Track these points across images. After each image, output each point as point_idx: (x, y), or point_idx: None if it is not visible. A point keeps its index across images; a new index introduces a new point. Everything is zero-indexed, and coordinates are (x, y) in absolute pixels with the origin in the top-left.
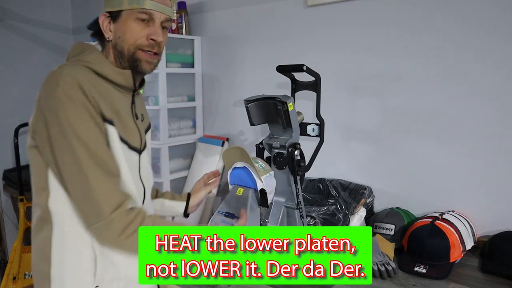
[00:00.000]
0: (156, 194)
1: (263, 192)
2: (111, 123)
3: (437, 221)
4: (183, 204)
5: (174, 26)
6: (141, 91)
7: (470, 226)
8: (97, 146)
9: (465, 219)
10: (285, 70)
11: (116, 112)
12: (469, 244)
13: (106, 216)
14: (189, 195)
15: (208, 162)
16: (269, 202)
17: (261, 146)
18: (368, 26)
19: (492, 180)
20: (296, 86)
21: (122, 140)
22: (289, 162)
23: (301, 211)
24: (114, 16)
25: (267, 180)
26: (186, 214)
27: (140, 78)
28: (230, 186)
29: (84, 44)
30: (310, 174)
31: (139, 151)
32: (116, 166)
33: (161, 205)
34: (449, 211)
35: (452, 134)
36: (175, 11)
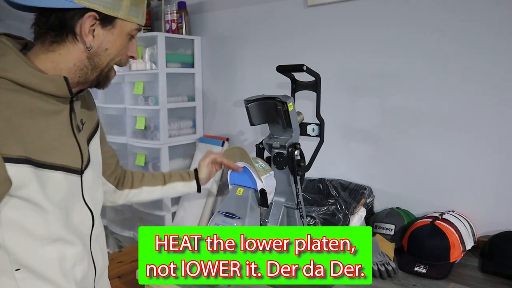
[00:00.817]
0: (164, 179)
1: (263, 192)
2: (22, 160)
3: (437, 221)
4: (194, 183)
5: (174, 26)
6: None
7: (470, 226)
8: None
9: (465, 219)
10: (285, 70)
11: (40, 136)
12: (469, 244)
13: None
14: (196, 171)
15: None
16: (269, 202)
17: (261, 146)
18: (368, 26)
19: (492, 180)
20: (296, 86)
21: (53, 167)
22: (289, 162)
23: (301, 211)
24: (105, 20)
25: (267, 180)
26: (199, 189)
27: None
28: (230, 186)
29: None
30: (310, 174)
31: (80, 172)
32: None
33: (174, 190)
34: (449, 211)
35: (452, 134)
36: None
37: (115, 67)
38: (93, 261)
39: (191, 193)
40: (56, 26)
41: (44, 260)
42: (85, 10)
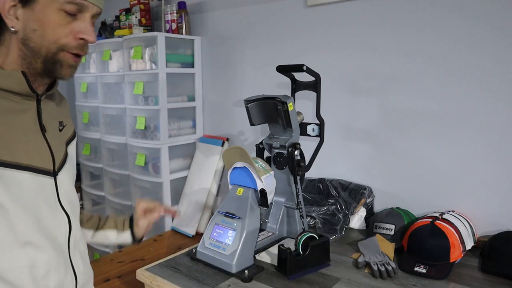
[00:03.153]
0: (98, 224)
1: (263, 192)
2: None
3: (437, 221)
4: (128, 235)
5: (174, 26)
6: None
7: (470, 226)
8: None
9: (465, 219)
10: (285, 70)
11: (1, 136)
12: (469, 244)
13: None
14: (131, 220)
15: (208, 162)
16: (269, 202)
17: (261, 146)
18: (368, 26)
19: (492, 180)
20: (296, 86)
21: (17, 166)
22: (289, 162)
23: (301, 211)
24: None
25: (267, 180)
26: (136, 240)
27: (49, 81)
28: (230, 186)
29: None
30: (310, 174)
31: (53, 173)
32: None
33: (106, 238)
34: (449, 211)
35: (452, 134)
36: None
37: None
38: (74, 269)
39: (125, 246)
40: None
41: (13, 266)
42: None
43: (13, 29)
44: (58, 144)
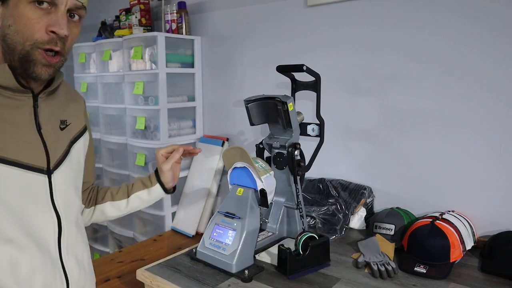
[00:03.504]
0: (127, 191)
1: (263, 192)
2: None
3: (437, 221)
4: (158, 188)
5: (174, 26)
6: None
7: (470, 226)
8: None
9: (465, 219)
10: (285, 70)
11: None
12: (469, 244)
13: None
14: (156, 173)
15: (208, 162)
16: (269, 202)
17: (261, 146)
18: (368, 26)
19: (492, 180)
20: (296, 86)
21: (3, 161)
22: (289, 162)
23: (301, 211)
24: None
25: (267, 180)
26: (168, 191)
27: (37, 80)
28: (230, 186)
29: None
30: (310, 174)
31: (46, 171)
32: None
33: (140, 200)
34: (449, 211)
35: (453, 134)
36: None
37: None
38: (65, 272)
39: (163, 197)
40: None
41: None
42: None
43: None
44: (57, 142)
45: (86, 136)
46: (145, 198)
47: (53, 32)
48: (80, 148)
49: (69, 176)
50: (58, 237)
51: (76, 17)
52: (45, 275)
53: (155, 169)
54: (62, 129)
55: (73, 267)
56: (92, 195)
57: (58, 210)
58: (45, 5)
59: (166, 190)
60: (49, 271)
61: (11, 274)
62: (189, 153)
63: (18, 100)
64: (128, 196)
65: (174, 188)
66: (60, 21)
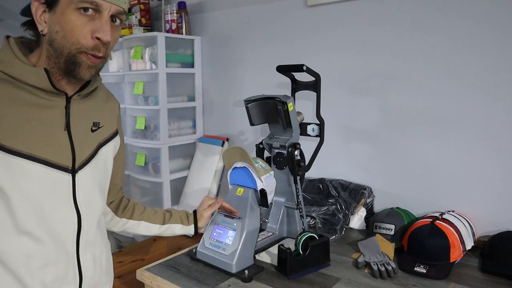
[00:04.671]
0: (164, 218)
1: (263, 192)
2: None
3: (437, 221)
4: (192, 228)
5: (174, 26)
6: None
7: (470, 226)
8: None
9: (465, 219)
10: (285, 70)
11: (18, 124)
12: (469, 244)
13: None
14: (195, 214)
15: (208, 162)
16: (269, 202)
17: (261, 146)
18: (368, 26)
19: (492, 180)
20: (296, 86)
21: (28, 157)
22: (289, 162)
23: (301, 211)
24: (49, 3)
25: (267, 180)
26: (196, 233)
27: (79, 82)
28: (230, 186)
29: (5, 40)
30: (310, 174)
31: (71, 170)
32: None
33: (172, 231)
34: (449, 211)
35: (452, 134)
36: (128, 1)
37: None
38: (80, 269)
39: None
40: (27, 22)
41: (10, 251)
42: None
43: (42, 33)
44: (85, 143)
45: (116, 140)
46: (176, 231)
47: (97, 38)
48: (109, 151)
49: (94, 177)
50: (78, 234)
51: (118, 21)
52: (58, 270)
53: (194, 210)
54: (93, 130)
55: (89, 264)
56: (128, 206)
57: (80, 208)
58: (90, 11)
59: (196, 232)
60: (62, 266)
61: (24, 264)
62: (225, 209)
63: (51, 101)
64: (163, 224)
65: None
66: (104, 27)
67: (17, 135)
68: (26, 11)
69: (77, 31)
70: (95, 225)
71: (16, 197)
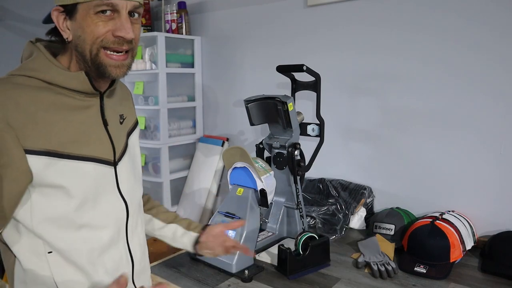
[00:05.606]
0: (173, 218)
1: (263, 192)
2: (44, 153)
3: (437, 221)
4: (194, 235)
5: (174, 26)
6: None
7: (470, 226)
8: None
9: (465, 219)
10: (285, 70)
11: (66, 129)
12: (469, 244)
13: None
14: (205, 227)
15: (208, 162)
16: (269, 202)
17: (261, 146)
18: (368, 26)
19: (492, 180)
20: (296, 86)
21: (81, 158)
22: (289, 162)
23: (301, 211)
24: (69, 10)
25: (267, 180)
26: (195, 249)
27: (109, 80)
28: (230, 186)
29: (33, 46)
30: (310, 174)
31: (113, 163)
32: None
33: (173, 234)
34: (449, 211)
35: (452, 134)
36: None
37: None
38: (131, 254)
39: (182, 248)
40: (52, 31)
41: (72, 245)
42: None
43: (67, 40)
44: (119, 136)
45: (138, 129)
46: (177, 234)
47: (120, 36)
48: (135, 140)
49: (130, 166)
50: (126, 221)
51: (136, 15)
52: (114, 255)
53: (206, 224)
54: (121, 123)
55: (136, 248)
56: (143, 199)
57: (125, 197)
58: (108, 13)
59: (195, 245)
60: (118, 252)
61: (86, 254)
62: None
63: (89, 101)
64: (169, 223)
65: (198, 254)
66: (125, 25)
67: (67, 140)
68: (48, 19)
69: (97, 30)
70: (138, 211)
71: (77, 194)
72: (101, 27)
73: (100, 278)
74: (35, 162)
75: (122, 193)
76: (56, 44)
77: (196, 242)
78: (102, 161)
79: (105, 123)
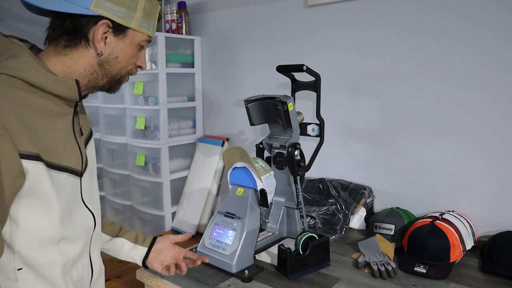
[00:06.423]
0: (119, 231)
1: (263, 192)
2: (35, 157)
3: (437, 221)
4: (143, 250)
5: (174, 26)
6: None
7: (470, 226)
8: None
9: (465, 219)
10: (285, 70)
11: (48, 137)
12: (469, 244)
13: None
14: (154, 239)
15: (208, 162)
16: (269, 202)
17: (261, 146)
18: (368, 26)
19: (492, 180)
20: (296, 86)
21: (59, 168)
22: (289, 162)
23: (301, 211)
24: (118, 29)
25: (267, 180)
26: (144, 265)
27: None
28: (230, 186)
29: (9, 42)
30: (310, 174)
31: (80, 174)
32: None
33: (120, 247)
34: (449, 211)
35: (453, 134)
36: None
37: None
38: (91, 263)
39: (134, 262)
40: (71, 31)
41: (48, 260)
42: (99, 17)
43: (100, 53)
44: (82, 147)
45: (93, 138)
46: (126, 248)
47: (139, 66)
48: (92, 150)
49: (90, 177)
50: (92, 232)
51: None
52: (79, 267)
53: (154, 237)
54: (81, 133)
55: (96, 257)
56: None
57: (90, 208)
58: (142, 48)
59: (145, 259)
60: (82, 262)
61: (61, 268)
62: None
63: (66, 109)
64: (115, 237)
65: (146, 267)
66: (144, 58)
67: (49, 147)
68: (48, 12)
69: (131, 60)
70: (99, 222)
71: (58, 207)
72: (134, 58)
73: None
74: (27, 166)
75: (87, 204)
76: (29, 44)
77: (146, 256)
78: (73, 172)
79: (75, 133)
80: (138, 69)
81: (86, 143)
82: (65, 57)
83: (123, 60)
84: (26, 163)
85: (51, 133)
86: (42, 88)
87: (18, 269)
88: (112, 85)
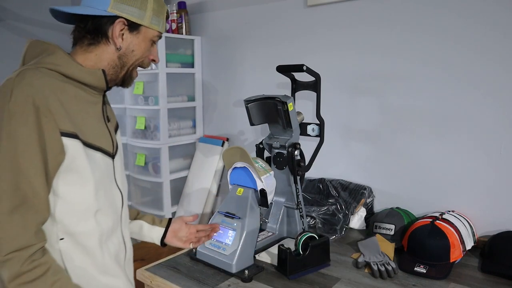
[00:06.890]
0: (136, 215)
1: (263, 192)
2: (73, 135)
3: (437, 221)
4: (160, 230)
5: (174, 26)
6: None
7: (470, 226)
8: (26, 177)
9: (465, 219)
10: (285, 70)
11: (84, 120)
12: (469, 244)
13: (2, 255)
14: (170, 221)
15: (208, 162)
16: (269, 202)
17: (261, 146)
18: (368, 26)
19: (492, 180)
20: (296, 86)
21: (94, 147)
22: (289, 162)
23: (301, 211)
24: (132, 26)
25: (267, 180)
26: (163, 243)
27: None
28: (230, 186)
29: (44, 43)
30: (310, 174)
31: (112, 156)
32: (44, 203)
33: (140, 228)
34: (449, 211)
35: (453, 134)
36: None
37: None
38: (124, 240)
39: (153, 241)
40: (93, 31)
41: (86, 229)
42: (116, 17)
43: (119, 47)
44: (112, 132)
45: (119, 129)
46: (144, 228)
47: (153, 60)
48: (119, 139)
49: (121, 161)
50: (121, 210)
51: None
52: (116, 240)
53: (169, 218)
54: (109, 121)
55: (127, 238)
56: None
57: (120, 188)
58: (154, 43)
59: (164, 237)
60: (116, 237)
61: (98, 238)
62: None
63: (96, 97)
64: (134, 219)
65: (165, 245)
66: (157, 53)
67: (85, 129)
68: (67, 19)
69: (145, 54)
70: (127, 203)
71: (93, 182)
72: (147, 52)
73: (105, 261)
74: (67, 143)
75: (118, 184)
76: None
77: (164, 236)
78: (106, 153)
79: (106, 119)
80: (152, 62)
81: (115, 131)
82: (90, 54)
83: (138, 53)
84: (66, 140)
85: (85, 117)
86: (75, 79)
87: (60, 239)
88: (125, 78)
